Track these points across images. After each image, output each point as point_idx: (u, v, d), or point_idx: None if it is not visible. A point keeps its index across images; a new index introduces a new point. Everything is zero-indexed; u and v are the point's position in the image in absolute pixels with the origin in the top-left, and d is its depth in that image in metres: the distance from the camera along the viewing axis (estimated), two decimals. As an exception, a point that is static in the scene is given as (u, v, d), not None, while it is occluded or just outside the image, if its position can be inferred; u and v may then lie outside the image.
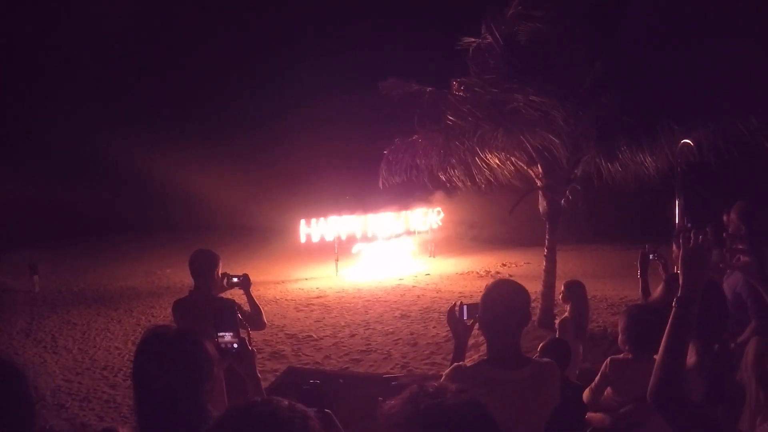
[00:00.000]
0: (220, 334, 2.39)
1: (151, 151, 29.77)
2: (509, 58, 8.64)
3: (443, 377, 2.52)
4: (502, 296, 2.48)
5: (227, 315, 3.62)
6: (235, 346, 2.39)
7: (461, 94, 8.71)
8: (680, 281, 1.99)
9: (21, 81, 32.63)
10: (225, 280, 4.35)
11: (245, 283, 4.43)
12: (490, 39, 8.91)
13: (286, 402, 1.32)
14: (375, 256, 18.09)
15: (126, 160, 29.51)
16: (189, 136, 32.27)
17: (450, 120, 8.81)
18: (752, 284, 2.91)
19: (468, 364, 2.55)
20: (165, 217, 29.22)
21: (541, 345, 4.03)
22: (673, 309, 1.92)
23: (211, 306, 4.03)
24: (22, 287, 14.59)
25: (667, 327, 1.92)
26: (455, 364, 2.61)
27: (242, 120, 34.18)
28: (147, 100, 35.31)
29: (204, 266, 4.30)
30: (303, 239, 17.73)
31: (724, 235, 3.88)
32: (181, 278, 15.97)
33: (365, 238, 18.28)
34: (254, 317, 4.40)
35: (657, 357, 1.91)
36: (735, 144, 7.78)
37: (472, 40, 9.17)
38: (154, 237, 26.21)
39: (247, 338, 2.53)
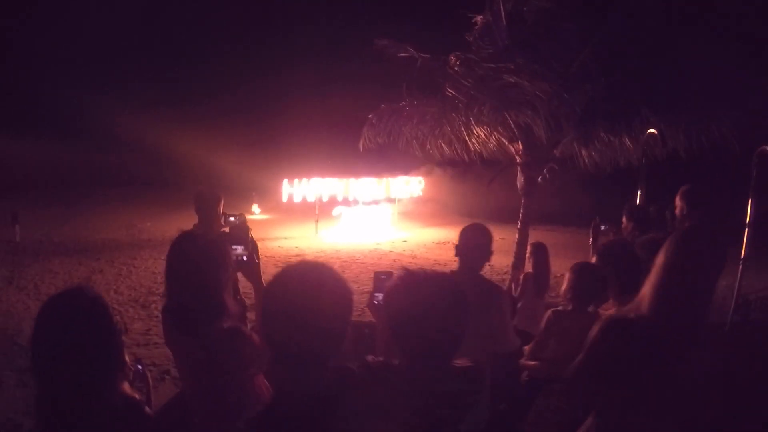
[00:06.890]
0: (233, 247, 2.87)
1: (135, 108, 29.46)
2: (509, 35, 8.85)
3: None
4: (474, 232, 3.91)
5: (240, 232, 4.03)
6: (245, 258, 2.92)
7: (458, 68, 8.91)
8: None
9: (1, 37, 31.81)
10: (223, 219, 4.67)
11: (242, 221, 4.72)
12: (490, 17, 9.10)
13: None
14: (355, 220, 18.34)
15: (110, 115, 29.10)
16: (174, 93, 31.94)
17: (449, 92, 9.03)
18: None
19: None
20: (147, 173, 29.10)
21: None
22: None
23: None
24: (3, 237, 14.58)
25: None
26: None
27: (228, 79, 33.87)
28: (132, 57, 34.72)
29: (208, 202, 4.62)
30: (285, 198, 17.94)
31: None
32: (162, 232, 16.15)
33: (346, 202, 18.54)
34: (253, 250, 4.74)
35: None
36: (706, 140, 8.23)
37: (478, 17, 9.34)
38: (136, 192, 26.18)
39: (255, 251, 3.11)
